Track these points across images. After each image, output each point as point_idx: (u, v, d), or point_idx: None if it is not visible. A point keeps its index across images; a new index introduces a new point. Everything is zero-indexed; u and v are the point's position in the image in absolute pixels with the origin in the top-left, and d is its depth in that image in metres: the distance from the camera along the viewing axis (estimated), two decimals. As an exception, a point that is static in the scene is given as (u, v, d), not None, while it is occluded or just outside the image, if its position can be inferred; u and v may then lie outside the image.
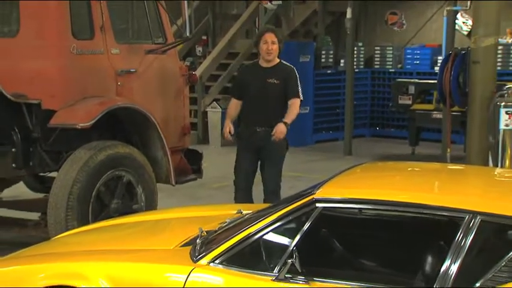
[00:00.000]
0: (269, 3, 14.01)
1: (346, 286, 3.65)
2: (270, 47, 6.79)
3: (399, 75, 15.31)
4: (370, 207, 3.92)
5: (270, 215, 4.01)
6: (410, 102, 13.29)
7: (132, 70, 7.06)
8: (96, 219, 6.35)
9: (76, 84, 6.66)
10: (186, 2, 7.20)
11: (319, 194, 3.95)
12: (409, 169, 4.94)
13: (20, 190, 8.00)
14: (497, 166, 8.00)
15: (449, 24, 12.18)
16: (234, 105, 7.08)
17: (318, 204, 3.88)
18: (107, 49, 6.88)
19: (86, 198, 6.32)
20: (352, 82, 13.99)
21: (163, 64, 7.40)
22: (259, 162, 7.01)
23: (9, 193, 7.98)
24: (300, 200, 3.98)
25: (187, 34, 7.26)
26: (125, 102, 6.85)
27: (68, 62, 6.62)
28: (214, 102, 14.71)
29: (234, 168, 7.06)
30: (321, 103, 15.37)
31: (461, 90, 9.46)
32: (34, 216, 7.30)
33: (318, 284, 3.67)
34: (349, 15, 13.28)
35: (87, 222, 6.23)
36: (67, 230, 5.98)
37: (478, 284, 3.43)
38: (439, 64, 12.53)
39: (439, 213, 3.72)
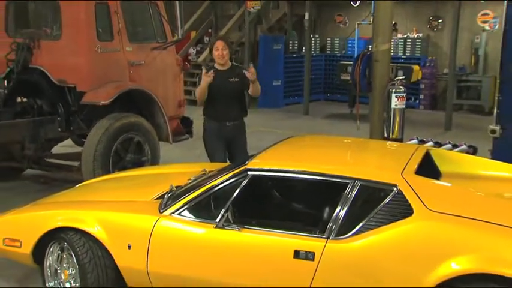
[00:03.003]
0: (252, 8, 13.81)
1: (267, 232, 3.45)
2: (221, 53, 5.46)
3: (343, 59, 14.94)
4: (287, 175, 3.68)
5: (218, 178, 3.77)
6: (348, 78, 13.01)
7: (141, 62, 6.78)
8: (114, 168, 6.20)
9: (100, 73, 6.40)
10: (178, 7, 6.81)
11: (250, 164, 3.72)
12: (321, 144, 4.63)
13: (67, 144, 7.80)
14: (389, 134, 7.95)
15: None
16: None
17: (249, 172, 3.66)
18: (123, 47, 6.60)
19: (107, 153, 6.14)
20: (310, 63, 13.79)
21: (164, 57, 7.09)
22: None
23: (62, 145, 7.79)
24: (238, 168, 3.74)
25: (179, 36, 6.94)
26: (135, 86, 6.59)
27: (94, 57, 6.36)
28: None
29: (210, 158, 5.66)
30: (289, 77, 15.07)
31: (367, 80, 9.26)
32: (76, 163, 7.10)
33: (247, 230, 3.48)
34: (307, 17, 13.12)
35: (108, 171, 6.08)
36: (94, 176, 5.84)
37: (356, 228, 3.26)
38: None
39: (333, 179, 3.52)
